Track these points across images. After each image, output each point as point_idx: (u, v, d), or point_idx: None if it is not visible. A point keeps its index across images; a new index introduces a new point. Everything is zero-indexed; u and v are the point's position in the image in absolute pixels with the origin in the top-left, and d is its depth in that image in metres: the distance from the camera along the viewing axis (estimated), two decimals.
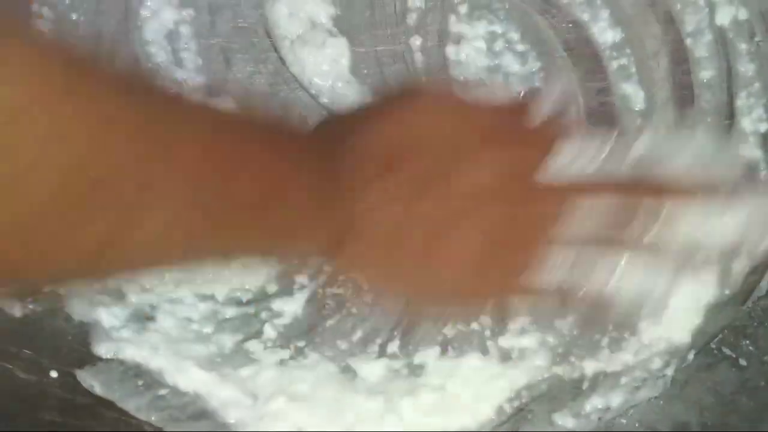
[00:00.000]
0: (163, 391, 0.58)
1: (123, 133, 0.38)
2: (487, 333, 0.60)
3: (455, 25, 0.63)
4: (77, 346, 0.58)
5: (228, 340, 0.59)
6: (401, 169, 0.50)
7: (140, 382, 0.58)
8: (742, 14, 0.62)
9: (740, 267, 0.59)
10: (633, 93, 0.62)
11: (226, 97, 0.58)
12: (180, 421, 0.56)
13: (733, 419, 0.58)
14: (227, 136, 0.44)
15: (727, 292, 0.59)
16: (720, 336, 0.60)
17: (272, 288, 0.60)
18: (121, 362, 0.58)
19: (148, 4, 0.62)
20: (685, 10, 0.62)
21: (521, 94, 0.61)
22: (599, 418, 0.59)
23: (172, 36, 0.62)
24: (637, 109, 0.62)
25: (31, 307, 0.59)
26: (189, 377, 0.58)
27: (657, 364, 0.59)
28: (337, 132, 0.52)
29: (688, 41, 0.63)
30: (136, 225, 0.38)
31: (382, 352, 0.60)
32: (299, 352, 0.60)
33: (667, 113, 0.62)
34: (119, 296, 0.59)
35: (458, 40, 0.63)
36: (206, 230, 0.42)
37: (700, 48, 0.62)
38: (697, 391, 0.60)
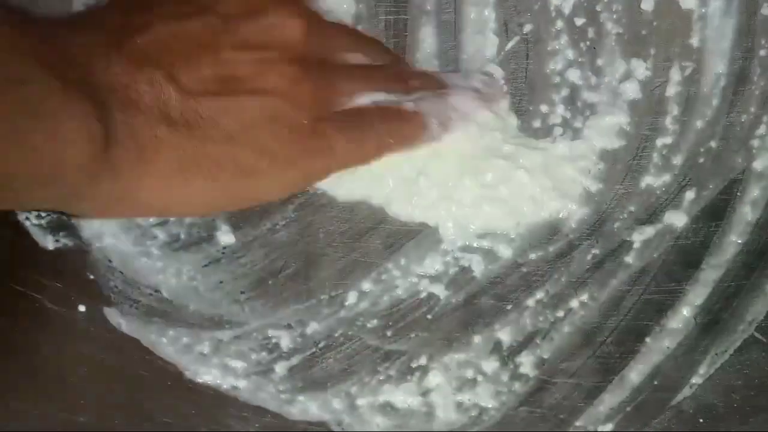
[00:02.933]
0: (186, 334, 0.59)
1: None
2: None
3: None
4: (106, 283, 0.59)
5: None
6: None
7: (163, 322, 0.59)
8: None
9: None
10: None
11: None
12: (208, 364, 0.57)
13: (762, 401, 0.57)
14: None
15: None
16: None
17: None
18: (147, 303, 0.59)
19: None
20: None
21: None
22: None
23: None
24: None
25: (62, 241, 0.60)
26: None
27: None
28: None
29: None
30: None
31: None
32: None
33: None
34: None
35: None
36: None
37: None
38: (725, 374, 0.59)
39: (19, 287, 0.56)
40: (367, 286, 0.62)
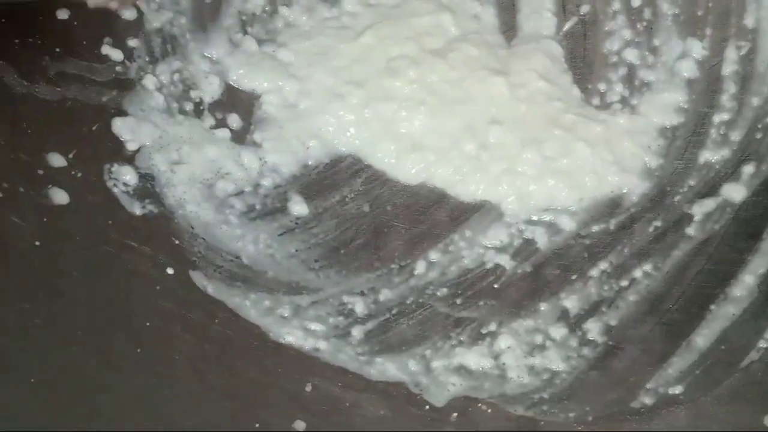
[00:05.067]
0: (267, 298, 0.60)
1: None
2: None
3: None
4: (190, 248, 0.61)
5: None
6: None
7: (245, 286, 0.60)
8: None
9: None
10: None
11: None
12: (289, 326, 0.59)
13: None
14: None
15: None
16: None
17: None
18: (229, 268, 0.61)
19: None
20: None
21: None
22: None
23: None
24: None
25: (148, 207, 0.61)
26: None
27: None
28: None
29: None
30: None
31: None
32: None
33: None
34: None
35: None
36: None
37: None
38: None
39: (112, 249, 0.57)
40: (434, 256, 0.64)
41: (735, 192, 0.66)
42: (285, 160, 0.66)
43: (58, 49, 0.63)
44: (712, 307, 0.61)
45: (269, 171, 0.65)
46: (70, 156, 0.60)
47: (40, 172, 0.59)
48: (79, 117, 0.62)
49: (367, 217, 0.65)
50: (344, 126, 0.67)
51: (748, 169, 0.66)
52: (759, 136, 0.67)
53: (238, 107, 0.67)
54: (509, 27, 0.73)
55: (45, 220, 0.58)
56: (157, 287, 0.57)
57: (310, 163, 0.66)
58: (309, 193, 0.65)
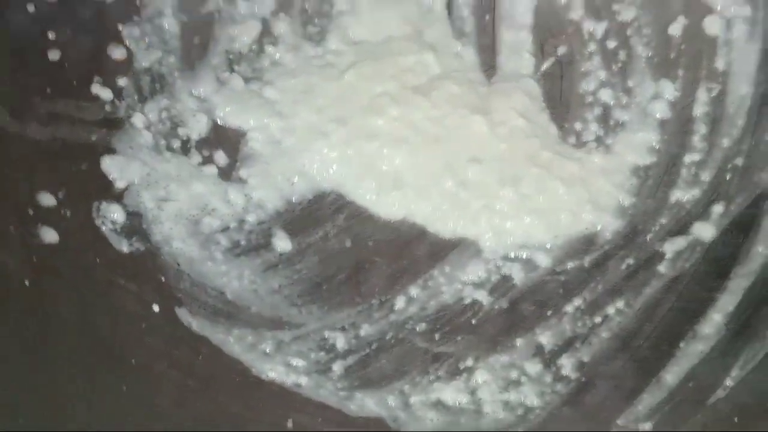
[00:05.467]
0: (250, 334, 0.62)
1: None
2: None
3: None
4: (176, 285, 0.62)
5: None
6: None
7: (229, 322, 0.62)
8: None
9: None
10: None
11: None
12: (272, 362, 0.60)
13: None
14: None
15: None
16: None
17: None
18: (213, 304, 0.62)
19: None
20: None
21: None
22: None
23: None
24: None
25: (135, 245, 0.63)
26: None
27: None
28: None
29: None
30: None
31: None
32: None
33: None
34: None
35: None
36: None
37: None
38: (757, 376, 0.62)
39: (100, 287, 0.59)
40: (414, 291, 0.66)
41: (705, 231, 0.68)
42: (270, 196, 0.68)
43: (49, 89, 0.65)
44: (682, 344, 0.64)
45: (254, 207, 0.67)
46: (60, 195, 0.62)
47: (31, 211, 0.61)
48: (69, 156, 0.64)
49: (349, 253, 0.67)
50: (327, 163, 0.69)
51: (718, 208, 0.68)
52: (728, 176, 0.69)
53: (224, 144, 0.69)
54: (489, 66, 0.75)
55: (35, 259, 0.59)
56: (143, 324, 0.59)
57: (294, 199, 0.68)
58: (293, 228, 0.67)
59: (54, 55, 0.67)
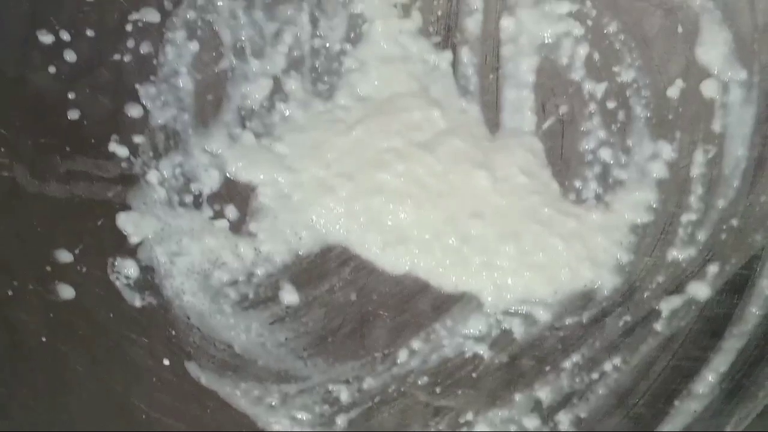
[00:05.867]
0: (257, 387, 0.64)
1: None
2: None
3: None
4: (186, 339, 0.64)
5: None
6: None
7: (236, 376, 0.64)
8: None
9: None
10: None
11: None
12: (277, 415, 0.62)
13: None
14: None
15: None
16: None
17: None
18: (222, 358, 0.64)
19: None
20: None
21: None
22: None
23: None
24: None
25: (147, 299, 0.65)
26: None
27: None
28: None
29: None
30: None
31: None
32: None
33: None
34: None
35: None
36: None
37: None
38: None
39: (113, 342, 0.61)
40: (417, 344, 0.68)
41: (700, 290, 0.70)
42: (278, 249, 0.70)
43: (68, 148, 0.68)
44: (676, 402, 0.65)
45: (263, 260, 0.70)
46: (76, 251, 0.65)
47: (48, 268, 0.64)
48: (86, 213, 0.67)
49: (354, 306, 0.69)
50: (334, 218, 0.71)
51: (713, 268, 0.70)
52: (724, 236, 0.71)
53: (235, 199, 0.72)
54: (493, 123, 0.77)
55: (51, 315, 0.62)
56: (154, 378, 0.61)
57: (301, 252, 0.71)
58: (300, 281, 0.69)
59: (74, 114, 0.69)
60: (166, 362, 0.63)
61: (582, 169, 0.75)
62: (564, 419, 0.65)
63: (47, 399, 0.57)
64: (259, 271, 0.69)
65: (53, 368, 0.59)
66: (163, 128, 0.72)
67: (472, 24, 0.77)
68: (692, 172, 0.74)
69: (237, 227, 0.71)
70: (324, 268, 0.70)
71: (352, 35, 0.76)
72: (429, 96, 0.77)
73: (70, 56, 0.69)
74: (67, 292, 0.63)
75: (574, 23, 0.76)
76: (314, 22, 0.76)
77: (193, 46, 0.74)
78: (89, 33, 0.70)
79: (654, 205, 0.73)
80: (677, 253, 0.71)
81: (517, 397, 0.66)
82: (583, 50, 0.76)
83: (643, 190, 0.74)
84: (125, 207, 0.68)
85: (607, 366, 0.67)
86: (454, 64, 0.77)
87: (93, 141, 0.69)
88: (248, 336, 0.66)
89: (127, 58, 0.72)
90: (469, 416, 0.65)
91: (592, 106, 0.76)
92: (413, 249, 0.71)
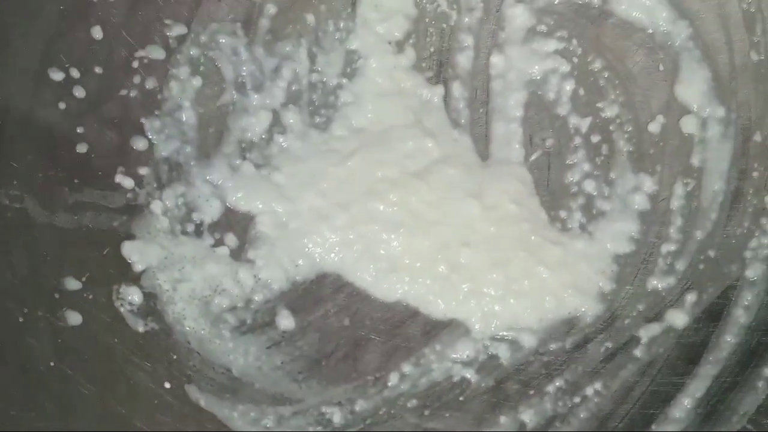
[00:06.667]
0: (253, 409, 0.67)
1: None
2: None
3: None
4: (186, 363, 0.68)
5: None
6: None
7: (234, 398, 0.67)
8: None
9: None
10: None
11: None
12: None
13: None
14: None
15: None
16: None
17: None
18: (220, 381, 0.67)
19: None
20: None
21: None
22: None
23: None
24: None
25: (150, 324, 0.69)
26: None
27: None
28: None
29: None
30: None
31: None
32: None
33: None
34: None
35: None
36: None
37: None
38: None
39: (117, 366, 0.64)
40: (407, 368, 0.71)
41: (678, 318, 0.73)
42: (276, 276, 0.73)
43: (76, 180, 0.71)
44: (654, 426, 0.68)
45: (261, 287, 0.73)
46: (83, 279, 0.68)
47: (57, 295, 0.66)
48: (93, 242, 0.69)
49: (347, 331, 0.72)
50: (330, 246, 0.74)
51: (691, 297, 0.73)
52: (701, 267, 0.74)
53: (234, 227, 0.74)
54: (483, 155, 0.80)
55: (59, 340, 0.65)
56: (156, 401, 0.64)
57: (298, 279, 0.74)
58: (295, 307, 0.72)
59: (82, 148, 0.72)
60: (168, 385, 0.66)
61: (567, 200, 0.77)
62: None
63: (56, 421, 0.60)
64: (257, 297, 0.72)
65: (61, 391, 0.62)
66: (166, 160, 0.75)
67: (463, 60, 0.81)
68: (672, 205, 0.76)
69: (237, 255, 0.74)
70: (319, 294, 0.73)
71: (348, 70, 0.79)
72: (423, 126, 0.79)
73: (79, 92, 0.72)
74: (74, 318, 0.66)
75: (560, 60, 0.79)
76: (312, 57, 0.79)
77: (196, 82, 0.77)
78: (97, 70, 0.73)
79: (635, 236, 0.76)
80: (657, 282, 0.74)
81: (503, 419, 0.69)
82: (569, 86, 0.79)
83: (625, 221, 0.77)
84: (130, 236, 0.71)
85: (589, 390, 0.70)
86: (446, 98, 0.80)
87: (100, 173, 0.72)
88: (246, 360, 0.70)
89: (133, 94, 0.75)
90: None
91: (577, 140, 0.79)
92: (404, 277, 0.74)
